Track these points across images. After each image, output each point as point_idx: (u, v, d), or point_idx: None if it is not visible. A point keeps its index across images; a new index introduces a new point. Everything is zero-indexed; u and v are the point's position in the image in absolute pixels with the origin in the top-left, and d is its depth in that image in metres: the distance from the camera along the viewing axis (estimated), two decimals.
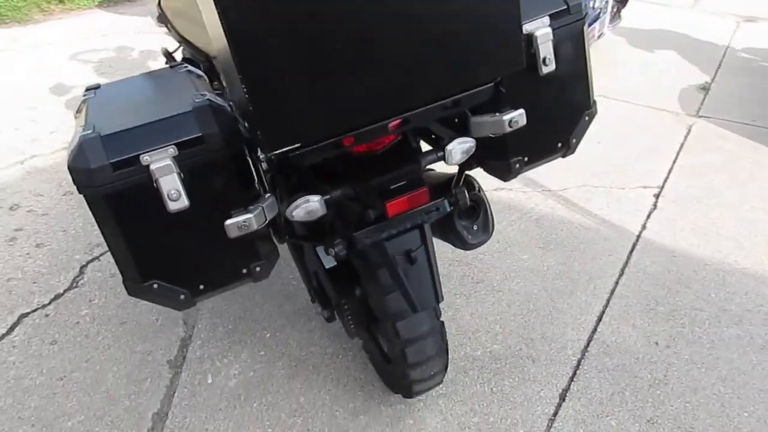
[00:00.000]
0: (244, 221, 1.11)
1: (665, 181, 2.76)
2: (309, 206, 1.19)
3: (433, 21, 0.98)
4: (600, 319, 2.04)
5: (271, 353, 1.98)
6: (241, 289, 2.24)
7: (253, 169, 1.26)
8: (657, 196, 2.66)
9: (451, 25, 0.99)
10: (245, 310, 2.16)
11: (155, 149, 1.07)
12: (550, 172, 2.85)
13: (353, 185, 1.27)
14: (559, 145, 1.39)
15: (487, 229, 1.51)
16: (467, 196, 1.35)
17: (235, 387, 1.88)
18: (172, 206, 1.07)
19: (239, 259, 1.22)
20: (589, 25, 3.38)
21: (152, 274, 1.17)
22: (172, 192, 1.07)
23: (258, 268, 1.24)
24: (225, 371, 1.93)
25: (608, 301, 2.11)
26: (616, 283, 2.19)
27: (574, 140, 1.39)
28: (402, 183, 1.27)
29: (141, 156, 1.07)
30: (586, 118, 1.37)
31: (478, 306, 2.12)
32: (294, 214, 1.19)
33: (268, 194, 1.21)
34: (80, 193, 1.09)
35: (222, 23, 0.87)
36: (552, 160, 1.45)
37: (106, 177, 1.06)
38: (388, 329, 1.49)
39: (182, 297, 1.20)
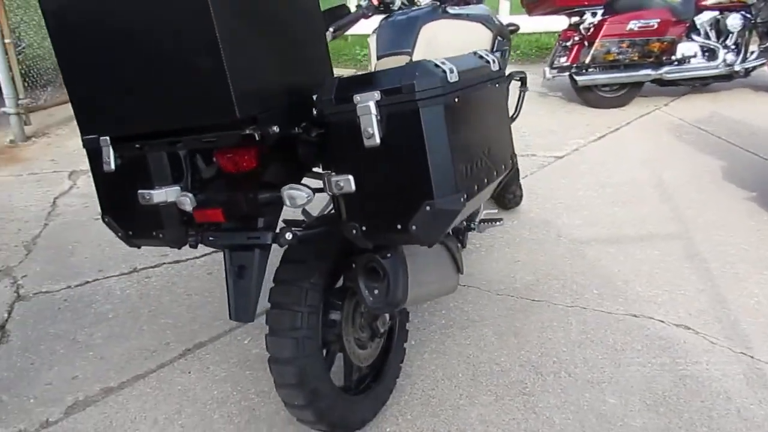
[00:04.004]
0: (148, 195, 1.35)
1: None
2: (179, 199, 1.36)
3: (152, 56, 1.14)
4: None
5: (245, 384, 1.95)
6: None
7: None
8: None
9: (165, 62, 1.13)
10: None
11: None
12: None
13: (196, 191, 1.40)
14: (398, 227, 1.25)
15: (386, 297, 1.44)
16: (287, 238, 1.37)
17: (182, 393, 1.93)
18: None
19: (151, 222, 1.43)
20: None
21: (106, 211, 1.50)
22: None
23: (161, 235, 1.44)
24: (194, 377, 1.99)
25: None
26: None
27: (414, 227, 1.23)
28: (215, 200, 1.39)
29: None
30: (428, 208, 1.20)
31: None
32: (177, 201, 1.37)
33: (178, 183, 1.39)
34: None
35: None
36: (402, 242, 1.35)
37: None
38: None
39: (120, 234, 1.50)
